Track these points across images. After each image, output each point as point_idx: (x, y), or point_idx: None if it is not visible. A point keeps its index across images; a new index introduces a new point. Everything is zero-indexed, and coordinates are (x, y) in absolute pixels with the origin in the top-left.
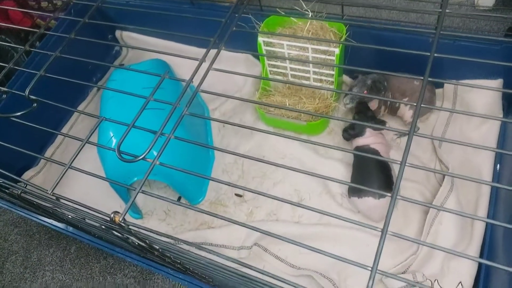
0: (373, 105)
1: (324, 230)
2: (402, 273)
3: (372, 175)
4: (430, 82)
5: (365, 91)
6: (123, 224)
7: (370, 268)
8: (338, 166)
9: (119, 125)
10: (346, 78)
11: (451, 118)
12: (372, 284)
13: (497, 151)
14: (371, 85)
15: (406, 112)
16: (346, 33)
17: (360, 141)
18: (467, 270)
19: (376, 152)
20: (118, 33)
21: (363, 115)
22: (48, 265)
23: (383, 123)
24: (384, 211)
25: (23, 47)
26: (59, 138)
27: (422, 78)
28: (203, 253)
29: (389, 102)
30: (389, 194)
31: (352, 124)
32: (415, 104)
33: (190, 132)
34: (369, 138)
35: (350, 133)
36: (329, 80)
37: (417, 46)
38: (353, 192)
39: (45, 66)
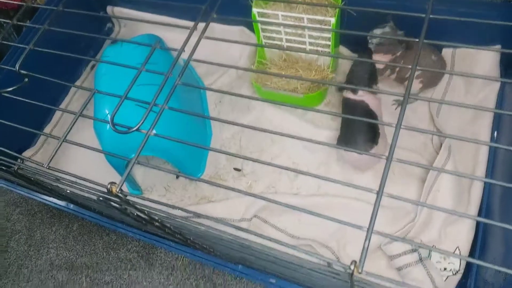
0: (384, 60)
1: (322, 201)
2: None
3: (358, 128)
4: (441, 57)
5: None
6: (120, 195)
7: (366, 229)
8: (336, 136)
9: (114, 102)
10: (343, 50)
11: (449, 87)
12: (368, 245)
13: (495, 112)
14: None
15: (416, 83)
16: (342, 2)
17: (351, 93)
18: (464, 236)
19: (366, 105)
20: (109, 8)
21: (362, 68)
22: (52, 242)
23: (376, 84)
24: (370, 162)
25: (10, 21)
26: (55, 117)
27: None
28: (202, 220)
29: (398, 68)
30: (370, 153)
31: (350, 74)
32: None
33: (186, 107)
34: (361, 97)
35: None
36: (325, 51)
37: (415, 13)
38: (339, 144)
39: (35, 40)
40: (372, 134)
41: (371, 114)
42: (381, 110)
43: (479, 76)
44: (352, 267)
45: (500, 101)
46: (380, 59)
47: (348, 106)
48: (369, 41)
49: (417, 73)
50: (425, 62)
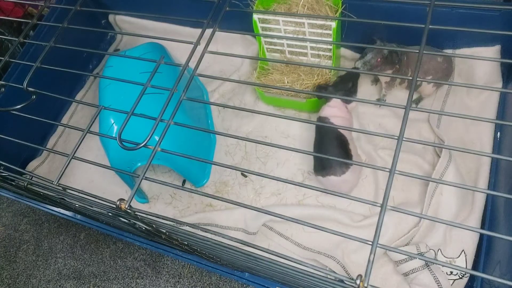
0: (388, 72)
1: (327, 213)
2: (406, 245)
3: (330, 151)
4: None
5: (378, 59)
6: (129, 211)
7: (370, 243)
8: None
9: (120, 113)
10: (344, 52)
11: (451, 89)
12: (374, 258)
13: (496, 122)
14: (387, 55)
15: (429, 88)
16: (342, 6)
17: (324, 111)
18: (469, 238)
19: (335, 129)
20: (111, 17)
21: (342, 83)
22: (60, 252)
23: (350, 100)
24: (350, 183)
25: (17, 39)
26: (61, 126)
27: (443, 53)
28: (209, 235)
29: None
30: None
31: (326, 84)
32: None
33: (190, 116)
34: (332, 109)
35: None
36: (327, 55)
37: (415, 16)
38: (316, 171)
39: (41, 58)
40: (344, 157)
41: (340, 137)
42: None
43: (476, 86)
44: (358, 281)
45: (503, 101)
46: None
47: (320, 131)
48: (358, 67)
49: (428, 77)
50: (431, 65)
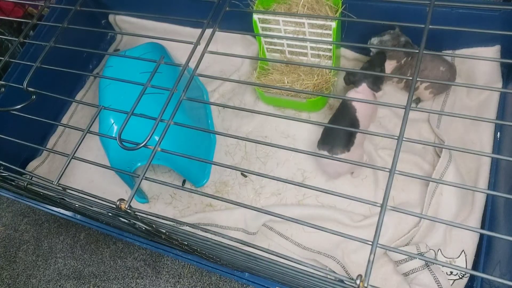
0: (389, 67)
1: (327, 213)
2: (406, 245)
3: (335, 131)
4: (450, 65)
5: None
6: (129, 211)
7: (370, 243)
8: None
9: (120, 113)
10: (344, 52)
11: (450, 89)
12: (374, 258)
13: (496, 122)
14: (403, 45)
15: (426, 94)
16: (342, 6)
17: (349, 95)
18: (469, 238)
19: (353, 110)
20: (111, 17)
21: (371, 67)
22: (60, 252)
23: (378, 87)
24: (339, 168)
25: (17, 39)
26: (61, 126)
27: (440, 53)
28: (209, 235)
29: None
30: (340, 158)
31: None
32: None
33: (190, 116)
34: (358, 94)
35: (350, 78)
36: (327, 55)
37: (415, 16)
38: (318, 144)
39: (41, 58)
40: (346, 140)
41: (353, 121)
42: (370, 119)
43: (476, 86)
44: (358, 281)
45: (503, 102)
46: (388, 67)
47: (340, 109)
48: (373, 43)
49: (426, 85)
50: (433, 74)
